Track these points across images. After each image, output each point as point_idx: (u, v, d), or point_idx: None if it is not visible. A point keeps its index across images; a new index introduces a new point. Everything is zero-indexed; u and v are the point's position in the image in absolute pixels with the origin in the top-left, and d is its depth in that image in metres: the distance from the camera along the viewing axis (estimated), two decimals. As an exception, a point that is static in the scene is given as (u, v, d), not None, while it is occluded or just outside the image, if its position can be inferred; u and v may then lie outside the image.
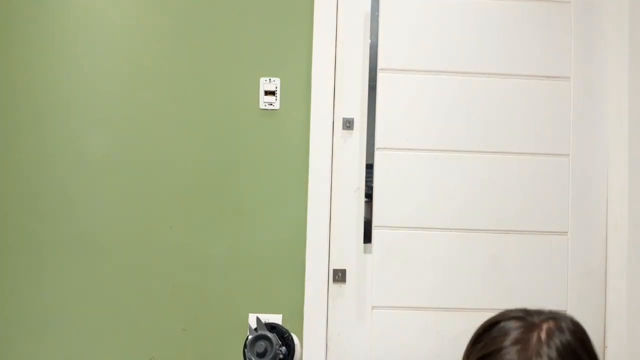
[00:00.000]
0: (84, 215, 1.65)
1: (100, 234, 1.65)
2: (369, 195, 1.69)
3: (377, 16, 1.66)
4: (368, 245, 1.71)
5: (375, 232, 1.69)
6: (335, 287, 1.70)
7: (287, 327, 1.06)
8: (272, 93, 1.70)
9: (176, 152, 1.67)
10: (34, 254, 1.64)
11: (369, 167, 1.69)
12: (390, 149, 1.72)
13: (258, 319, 1.03)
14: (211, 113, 1.69)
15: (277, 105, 1.70)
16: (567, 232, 1.73)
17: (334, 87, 1.70)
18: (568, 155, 1.74)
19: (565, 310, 1.72)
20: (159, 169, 1.67)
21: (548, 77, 1.74)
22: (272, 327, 1.05)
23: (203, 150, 1.68)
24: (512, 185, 1.73)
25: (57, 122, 1.67)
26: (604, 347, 1.74)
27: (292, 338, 1.04)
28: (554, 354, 0.66)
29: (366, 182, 1.70)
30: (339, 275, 1.70)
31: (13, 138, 1.66)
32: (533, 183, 1.73)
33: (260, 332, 1.01)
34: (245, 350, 1.00)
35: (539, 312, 0.74)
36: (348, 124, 1.72)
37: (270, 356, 0.98)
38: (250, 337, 1.00)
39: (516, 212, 1.72)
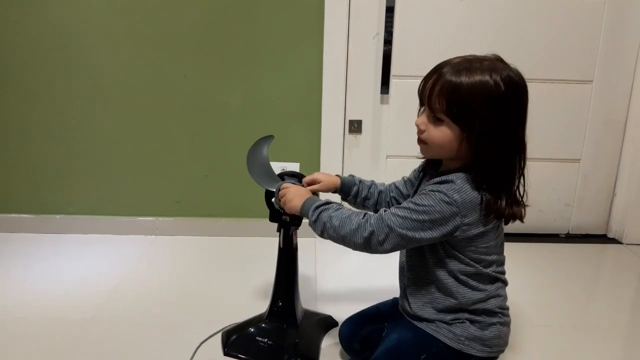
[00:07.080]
0: (93, 63, 1.60)
1: (112, 82, 1.62)
2: (388, 42, 1.61)
3: None
4: (385, 96, 1.67)
5: (393, 82, 1.64)
6: (350, 137, 1.70)
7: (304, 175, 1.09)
8: None
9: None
10: (50, 102, 1.63)
11: (390, 11, 1.58)
12: (413, -11, 1.58)
13: (282, 171, 1.07)
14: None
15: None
16: (592, 81, 1.67)
17: None
18: (604, -2, 1.60)
19: (579, 159, 1.74)
20: (168, 16, 1.57)
21: None
22: (292, 174, 1.08)
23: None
24: (538, 32, 1.62)
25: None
26: (613, 195, 1.78)
27: (311, 185, 1.08)
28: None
29: (386, 27, 1.60)
30: (355, 126, 1.69)
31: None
32: (561, 28, 1.63)
33: (287, 179, 1.05)
34: (274, 193, 1.05)
35: None
36: (367, -38, 1.56)
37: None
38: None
39: (540, 60, 1.64)
